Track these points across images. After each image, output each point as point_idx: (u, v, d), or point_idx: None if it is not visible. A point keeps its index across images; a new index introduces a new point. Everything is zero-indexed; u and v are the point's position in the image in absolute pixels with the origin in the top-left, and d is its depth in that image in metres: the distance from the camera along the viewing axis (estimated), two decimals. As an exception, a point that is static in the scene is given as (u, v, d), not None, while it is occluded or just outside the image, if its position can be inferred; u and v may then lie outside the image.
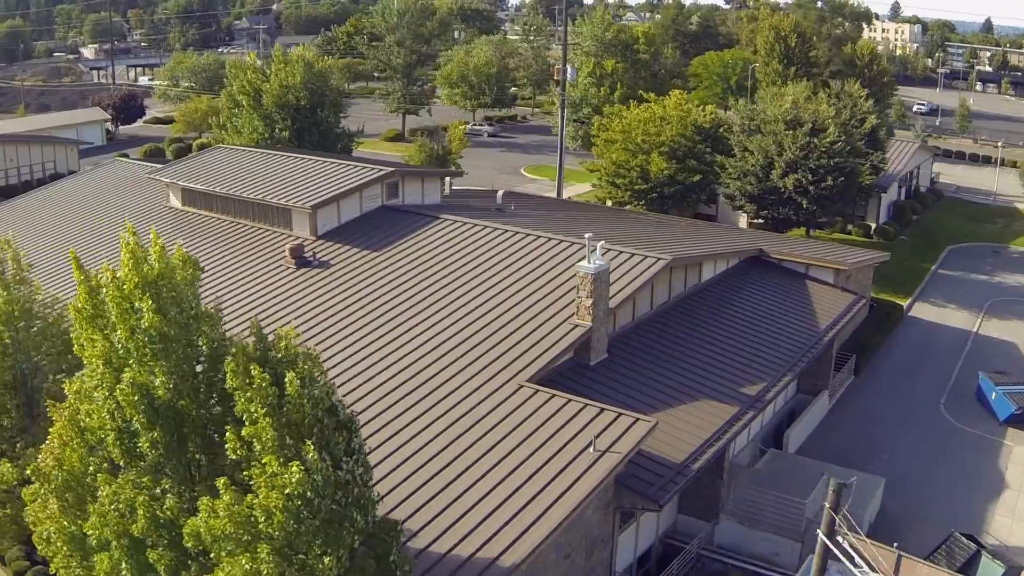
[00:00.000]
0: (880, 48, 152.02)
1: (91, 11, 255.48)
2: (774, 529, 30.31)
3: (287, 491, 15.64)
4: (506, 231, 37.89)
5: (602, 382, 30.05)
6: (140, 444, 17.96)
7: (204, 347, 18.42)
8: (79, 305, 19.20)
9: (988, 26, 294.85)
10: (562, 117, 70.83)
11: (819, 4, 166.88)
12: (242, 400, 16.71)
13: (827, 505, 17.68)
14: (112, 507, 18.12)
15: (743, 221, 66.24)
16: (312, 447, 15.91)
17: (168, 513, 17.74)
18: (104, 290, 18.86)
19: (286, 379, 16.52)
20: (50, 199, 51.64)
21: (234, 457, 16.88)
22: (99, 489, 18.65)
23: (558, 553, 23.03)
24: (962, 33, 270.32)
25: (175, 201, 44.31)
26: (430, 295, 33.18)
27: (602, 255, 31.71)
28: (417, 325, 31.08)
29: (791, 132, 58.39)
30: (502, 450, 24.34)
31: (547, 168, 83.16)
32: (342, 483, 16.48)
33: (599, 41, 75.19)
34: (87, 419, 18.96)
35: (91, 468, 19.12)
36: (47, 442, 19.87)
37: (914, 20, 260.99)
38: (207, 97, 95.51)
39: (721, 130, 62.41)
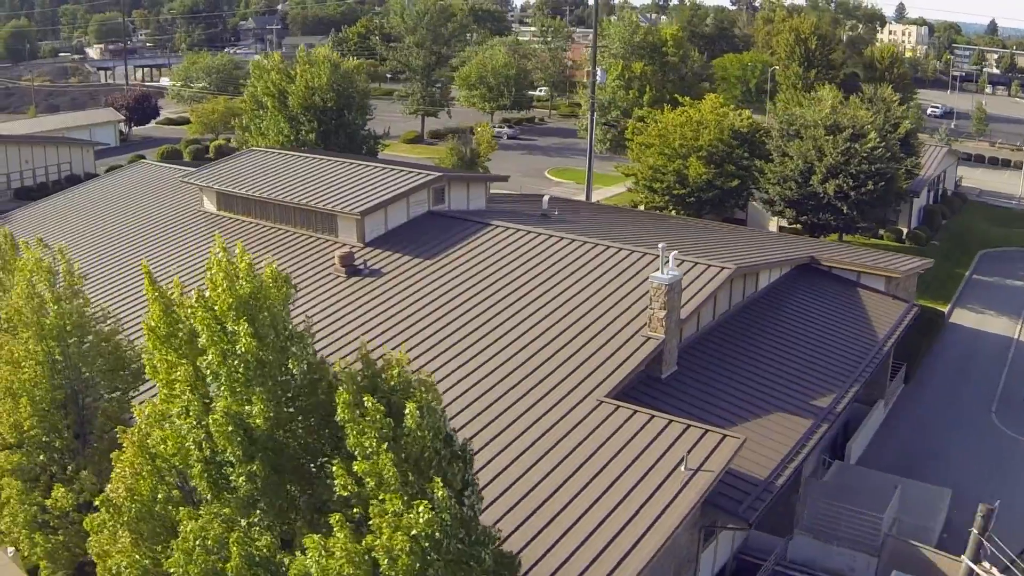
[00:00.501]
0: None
1: (95, 11, 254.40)
2: (850, 543, 29.49)
3: (413, 532, 14.59)
4: (563, 239, 36.92)
5: (676, 396, 29.11)
6: (233, 477, 16.88)
7: (295, 371, 17.35)
8: (152, 324, 18.19)
9: (993, 27, 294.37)
10: (591, 120, 69.92)
11: (832, 6, 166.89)
12: (354, 433, 15.62)
13: (974, 530, 16.81)
14: (198, 543, 17.06)
15: (772, 226, 65.44)
16: (440, 484, 14.85)
17: (264, 551, 16.70)
18: (189, 309, 17.84)
19: (406, 410, 15.46)
20: (75, 203, 50.44)
21: (344, 494, 15.82)
22: (179, 523, 17.64)
23: (652, 578, 22.08)
24: (967, 35, 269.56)
25: (209, 205, 43.27)
26: (491, 306, 32.15)
27: (676, 265, 30.76)
28: (482, 338, 30.04)
29: (831, 137, 57.73)
30: (590, 470, 23.36)
31: (571, 171, 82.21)
32: (466, 519, 15.47)
33: (627, 44, 74.27)
34: (161, 446, 17.92)
35: (160, 496, 18.09)
36: (116, 470, 18.82)
37: (920, 22, 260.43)
38: (224, 98, 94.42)
39: (759, 135, 61.55)
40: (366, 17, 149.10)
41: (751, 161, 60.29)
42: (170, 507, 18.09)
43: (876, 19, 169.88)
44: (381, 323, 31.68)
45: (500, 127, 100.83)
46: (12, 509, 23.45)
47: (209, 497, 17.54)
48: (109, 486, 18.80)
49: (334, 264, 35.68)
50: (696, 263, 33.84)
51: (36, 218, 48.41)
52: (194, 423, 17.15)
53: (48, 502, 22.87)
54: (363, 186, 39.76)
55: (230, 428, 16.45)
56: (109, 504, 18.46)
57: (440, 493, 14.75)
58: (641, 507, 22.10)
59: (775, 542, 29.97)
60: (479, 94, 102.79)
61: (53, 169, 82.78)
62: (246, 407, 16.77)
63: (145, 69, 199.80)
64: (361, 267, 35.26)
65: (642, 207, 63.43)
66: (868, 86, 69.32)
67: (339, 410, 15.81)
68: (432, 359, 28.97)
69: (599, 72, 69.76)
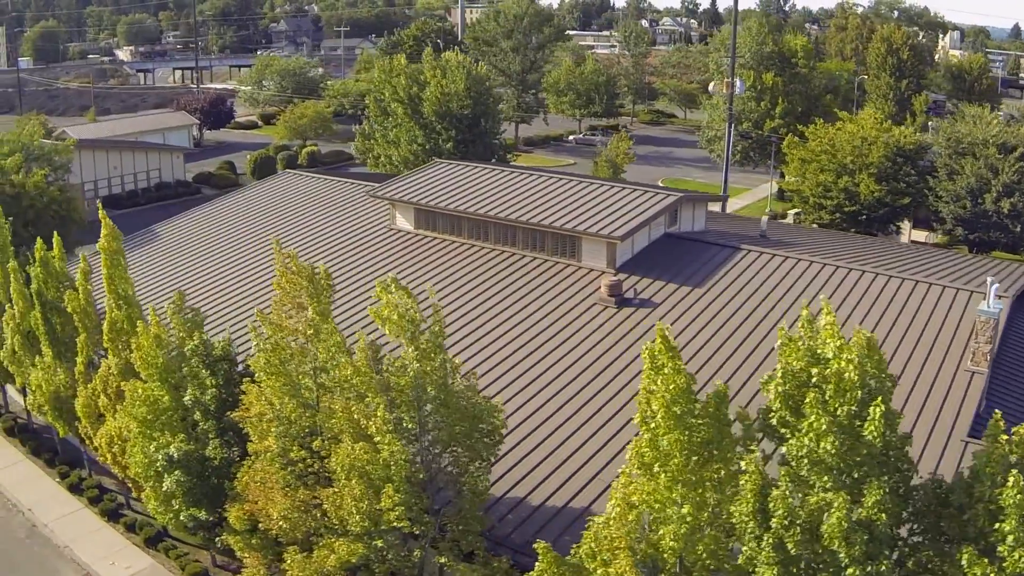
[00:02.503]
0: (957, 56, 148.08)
1: (121, 13, 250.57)
2: None
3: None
4: (825, 265, 33.41)
5: None
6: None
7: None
8: (667, 399, 14.57)
9: (1016, 32, 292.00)
10: (728, 133, 66.72)
11: (895, 14, 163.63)
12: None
13: None
14: None
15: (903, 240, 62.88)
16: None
17: None
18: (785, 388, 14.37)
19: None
20: (232, 216, 44.87)
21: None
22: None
23: None
24: (997, 40, 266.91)
25: (403, 223, 39.35)
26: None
27: (997, 297, 27.59)
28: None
29: (1005, 156, 55.65)
30: None
31: (685, 182, 78.54)
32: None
33: (757, 53, 70.94)
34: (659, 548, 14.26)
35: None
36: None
37: (952, 27, 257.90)
38: (311, 102, 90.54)
39: (920, 152, 58.53)
40: (421, 20, 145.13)
41: (923, 179, 57.38)
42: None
43: (938, 27, 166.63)
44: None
45: (593, 134, 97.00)
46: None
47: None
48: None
49: (598, 293, 31.88)
50: (972, 292, 30.78)
51: (193, 235, 43.88)
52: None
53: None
54: (603, 206, 35.78)
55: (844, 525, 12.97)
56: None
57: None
58: None
59: None
60: (568, 100, 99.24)
61: (142, 176, 78.70)
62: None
63: (181, 71, 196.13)
64: (631, 297, 31.49)
65: (794, 221, 59.89)
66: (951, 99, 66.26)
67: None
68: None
69: (738, 83, 66.34)
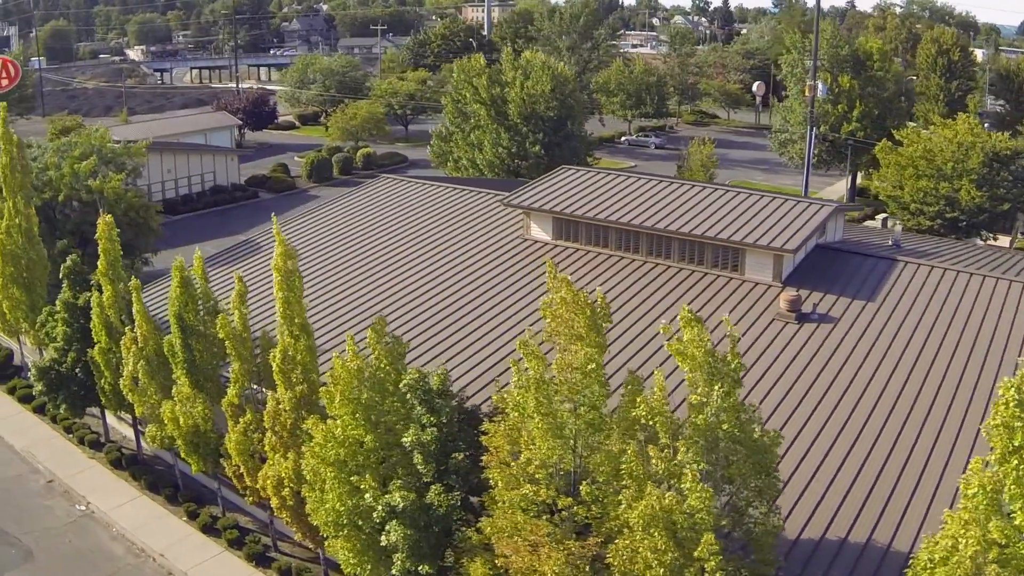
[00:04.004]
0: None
1: (129, 12, 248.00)
2: None
3: None
4: (1009, 282, 31.92)
5: None
6: None
7: None
8: None
9: (1023, 28, 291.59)
10: (810, 137, 65.25)
11: (926, 14, 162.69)
12: None
13: None
14: None
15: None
16: None
17: None
18: None
19: None
20: (341, 225, 41.32)
21: None
22: None
23: None
24: (1007, 38, 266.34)
25: (539, 232, 37.63)
26: (988, 363, 27.01)
27: None
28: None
29: None
30: None
31: (751, 183, 76.73)
32: None
33: (834, 56, 69.57)
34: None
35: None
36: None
37: (989, 28, 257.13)
38: (364, 102, 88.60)
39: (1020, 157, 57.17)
40: (448, 19, 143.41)
41: (1015, 183, 55.97)
42: None
43: (969, 27, 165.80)
44: (881, 387, 26.43)
45: (646, 135, 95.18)
46: None
47: None
48: None
49: (773, 308, 30.37)
50: None
51: (308, 247, 39.25)
52: None
53: None
54: (762, 216, 33.96)
55: None
56: None
57: None
58: None
59: None
60: (619, 101, 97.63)
61: (196, 179, 76.65)
62: None
63: (199, 70, 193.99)
64: (811, 312, 29.98)
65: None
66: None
67: None
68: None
69: (820, 86, 64.95)
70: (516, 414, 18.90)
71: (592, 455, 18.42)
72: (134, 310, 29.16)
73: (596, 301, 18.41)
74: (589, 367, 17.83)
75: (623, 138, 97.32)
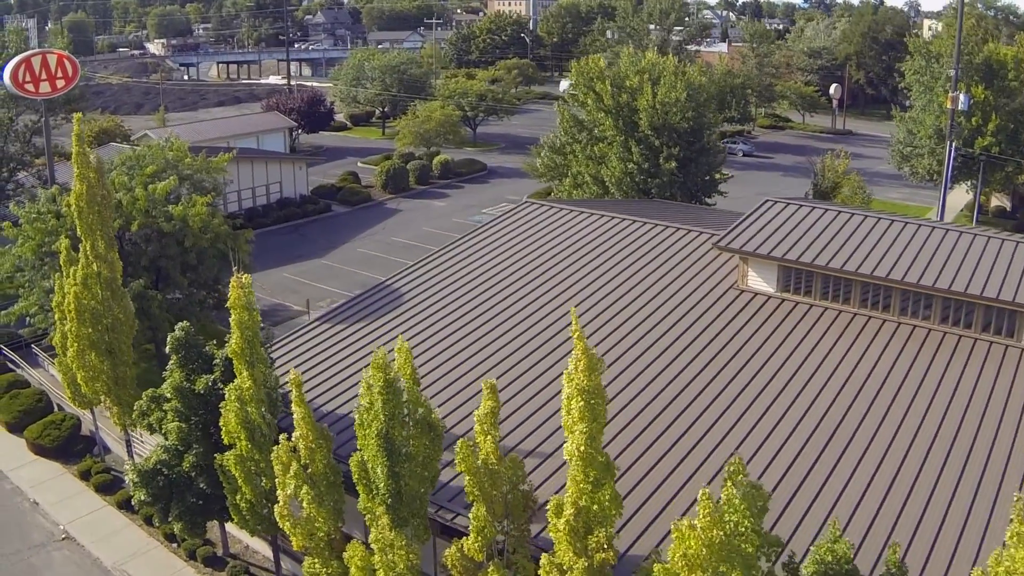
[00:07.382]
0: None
1: (147, 5, 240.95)
2: None
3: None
4: None
5: None
6: None
7: None
8: None
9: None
10: (949, 151, 58.45)
11: (992, 13, 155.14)
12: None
13: None
14: None
15: None
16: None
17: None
18: None
19: None
20: (513, 273, 33.08)
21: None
22: None
23: None
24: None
25: (759, 283, 30.72)
26: None
27: None
28: None
29: None
30: None
31: (887, 204, 70.09)
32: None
33: (967, 64, 62.74)
34: None
35: None
36: None
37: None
38: (438, 104, 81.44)
39: None
40: (492, 13, 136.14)
41: None
42: None
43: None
44: None
45: (734, 142, 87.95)
46: None
47: None
48: None
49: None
50: None
51: (468, 294, 31.89)
52: None
53: None
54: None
55: None
56: None
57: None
58: None
59: None
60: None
61: (261, 191, 69.57)
62: None
63: (223, 65, 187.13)
64: None
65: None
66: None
67: None
68: None
69: (962, 97, 58.04)
70: None
71: None
72: (294, 413, 20.56)
73: None
74: None
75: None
